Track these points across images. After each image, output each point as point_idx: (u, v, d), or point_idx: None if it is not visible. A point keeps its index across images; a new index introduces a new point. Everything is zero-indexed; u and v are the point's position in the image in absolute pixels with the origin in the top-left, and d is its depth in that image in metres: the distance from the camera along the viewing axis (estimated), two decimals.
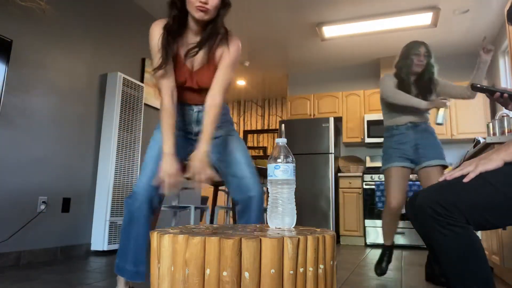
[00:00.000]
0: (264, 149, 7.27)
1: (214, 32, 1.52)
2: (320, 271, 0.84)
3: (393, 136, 2.43)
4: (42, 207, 2.86)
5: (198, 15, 1.46)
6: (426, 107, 2.29)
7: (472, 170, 1.05)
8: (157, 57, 1.52)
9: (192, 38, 1.57)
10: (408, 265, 3.08)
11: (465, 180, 1.04)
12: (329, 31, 4.50)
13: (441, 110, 2.28)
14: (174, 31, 1.53)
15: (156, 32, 1.54)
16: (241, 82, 6.47)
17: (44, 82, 2.95)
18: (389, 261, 2.42)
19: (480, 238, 2.83)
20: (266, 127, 7.39)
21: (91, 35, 3.38)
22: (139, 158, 3.63)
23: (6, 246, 2.59)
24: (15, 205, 2.68)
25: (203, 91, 1.60)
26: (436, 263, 1.21)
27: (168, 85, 1.54)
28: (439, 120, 2.29)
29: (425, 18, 4.16)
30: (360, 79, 5.75)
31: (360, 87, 5.64)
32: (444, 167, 2.37)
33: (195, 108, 1.66)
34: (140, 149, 3.64)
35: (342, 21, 4.29)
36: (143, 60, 4.04)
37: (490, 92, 1.28)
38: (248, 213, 1.56)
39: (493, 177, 1.03)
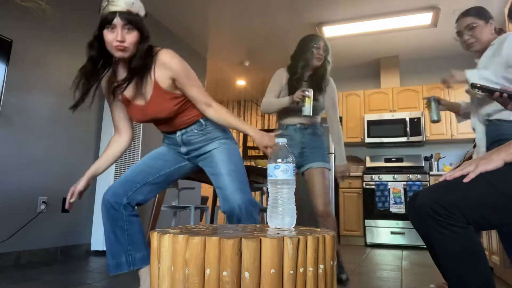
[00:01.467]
0: None
1: (139, 65, 1.48)
2: (320, 271, 0.84)
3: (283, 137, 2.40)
4: (42, 207, 2.86)
5: (118, 54, 1.44)
6: (289, 101, 2.20)
7: (472, 170, 1.05)
8: (109, 104, 1.67)
9: (122, 75, 1.55)
10: (408, 265, 3.08)
11: (465, 180, 1.04)
12: (329, 31, 4.49)
13: (306, 101, 2.16)
14: (91, 72, 1.51)
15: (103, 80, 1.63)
16: (241, 82, 6.47)
17: (44, 82, 2.94)
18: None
19: (480, 238, 2.83)
20: (266, 127, 7.39)
21: (91, 35, 3.36)
22: (139, 158, 3.62)
23: (6, 246, 2.59)
24: (15, 205, 2.68)
25: (170, 118, 1.61)
26: (436, 263, 1.21)
27: (117, 126, 1.70)
28: (305, 112, 2.16)
29: (425, 18, 4.16)
30: (360, 79, 5.75)
31: (360, 87, 5.63)
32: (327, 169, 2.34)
33: (178, 133, 1.67)
34: (140, 149, 3.64)
35: (342, 21, 4.29)
36: None
37: (489, 91, 1.28)
38: (232, 223, 1.58)
39: (493, 177, 1.03)
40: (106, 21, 1.42)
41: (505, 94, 1.25)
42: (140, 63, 1.47)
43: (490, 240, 2.67)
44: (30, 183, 2.79)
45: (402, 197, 4.48)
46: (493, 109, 1.87)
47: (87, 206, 3.26)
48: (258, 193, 6.24)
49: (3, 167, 2.61)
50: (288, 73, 2.37)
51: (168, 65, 1.52)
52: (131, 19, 1.41)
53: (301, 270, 0.80)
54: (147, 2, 4.34)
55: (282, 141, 1.10)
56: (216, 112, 1.58)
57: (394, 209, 4.48)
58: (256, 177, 3.03)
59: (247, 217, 1.54)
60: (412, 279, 2.44)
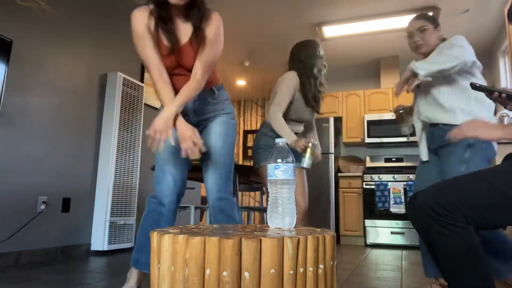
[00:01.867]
0: None
1: (200, 15, 1.52)
2: (320, 271, 0.84)
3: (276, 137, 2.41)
4: (42, 207, 2.86)
5: (174, 1, 1.46)
6: (291, 144, 2.12)
7: (468, 131, 1.08)
8: (146, 42, 1.52)
9: (178, 22, 1.56)
10: (408, 265, 3.08)
11: (459, 135, 1.08)
12: (329, 31, 4.49)
13: (308, 152, 2.07)
14: (163, 16, 1.52)
15: (141, 17, 1.52)
16: (241, 82, 6.47)
17: (44, 82, 2.94)
18: None
19: None
20: None
21: (91, 35, 3.38)
22: (139, 158, 3.62)
23: (6, 246, 2.59)
24: (15, 205, 2.68)
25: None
26: (436, 262, 1.21)
27: (157, 65, 1.55)
28: (304, 165, 2.08)
29: None
30: (360, 79, 5.75)
31: (360, 87, 5.63)
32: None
33: None
34: (140, 149, 3.64)
35: (342, 21, 4.29)
36: None
37: (489, 91, 1.28)
38: (212, 216, 1.60)
39: (493, 177, 1.03)
40: None
41: (503, 95, 1.25)
42: (202, 11, 1.52)
43: None
44: (30, 183, 2.79)
45: (402, 197, 4.49)
46: (432, 114, 1.88)
47: (87, 206, 3.26)
48: (258, 193, 6.21)
49: (3, 167, 2.61)
50: (300, 79, 2.36)
51: (207, 18, 1.55)
52: None
53: (301, 270, 0.80)
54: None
55: (282, 141, 1.10)
56: (188, 83, 1.53)
57: (394, 209, 4.48)
58: (256, 177, 3.03)
59: (221, 214, 1.57)
60: (412, 279, 2.44)
